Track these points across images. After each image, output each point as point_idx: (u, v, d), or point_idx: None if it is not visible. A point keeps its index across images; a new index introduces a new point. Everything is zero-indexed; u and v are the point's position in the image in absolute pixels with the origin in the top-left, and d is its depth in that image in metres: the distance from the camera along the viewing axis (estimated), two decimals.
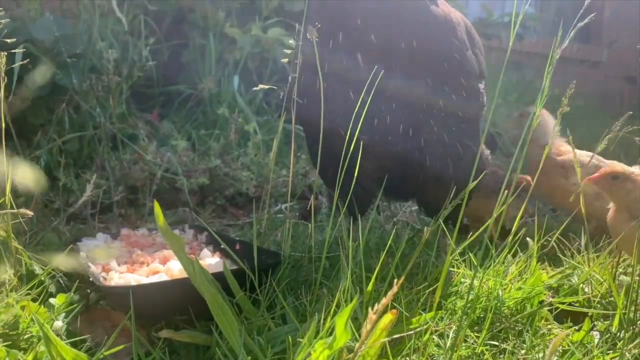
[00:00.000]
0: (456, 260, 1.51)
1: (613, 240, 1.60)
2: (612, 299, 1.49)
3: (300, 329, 1.16)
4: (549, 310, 1.44)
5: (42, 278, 1.38)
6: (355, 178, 1.30)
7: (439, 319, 1.29)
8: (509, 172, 1.32)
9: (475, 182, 1.18)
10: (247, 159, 2.66)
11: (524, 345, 1.30)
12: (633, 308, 1.30)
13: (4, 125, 1.43)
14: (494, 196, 1.39)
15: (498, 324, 1.37)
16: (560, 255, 1.74)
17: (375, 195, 1.49)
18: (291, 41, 1.43)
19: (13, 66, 1.41)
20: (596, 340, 1.30)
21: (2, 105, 1.42)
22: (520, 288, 1.45)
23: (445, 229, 1.38)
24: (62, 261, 1.40)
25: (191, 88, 3.07)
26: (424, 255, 1.59)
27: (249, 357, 1.10)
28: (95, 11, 2.71)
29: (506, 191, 1.21)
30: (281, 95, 1.44)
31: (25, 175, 1.44)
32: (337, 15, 1.37)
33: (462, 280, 1.51)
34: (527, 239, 1.67)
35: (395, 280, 1.03)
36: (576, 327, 1.40)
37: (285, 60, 1.42)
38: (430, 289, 1.35)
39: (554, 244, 1.76)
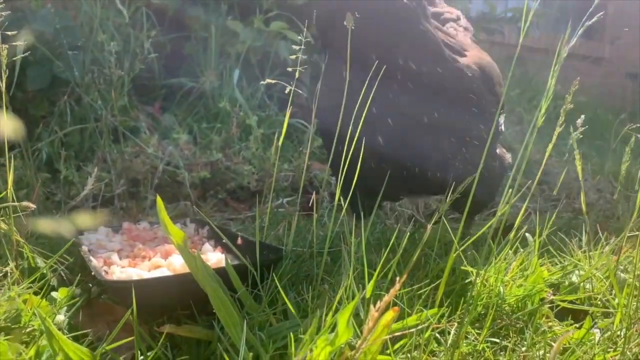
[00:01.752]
0: (458, 256, 1.51)
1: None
2: (612, 296, 1.49)
3: (302, 325, 1.17)
4: (550, 307, 1.45)
5: (44, 271, 1.39)
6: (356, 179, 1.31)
7: (440, 316, 1.30)
8: (514, 167, 1.32)
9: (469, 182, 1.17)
10: (248, 152, 2.66)
11: (525, 342, 1.30)
12: (634, 306, 1.30)
13: (5, 116, 1.43)
14: None
15: (499, 321, 1.37)
16: (561, 253, 1.74)
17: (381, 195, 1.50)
18: (299, 38, 1.42)
19: (14, 59, 1.40)
20: (597, 338, 1.30)
21: (4, 98, 1.42)
22: (521, 285, 1.45)
23: (447, 225, 1.38)
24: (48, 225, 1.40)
25: (193, 81, 3.06)
26: (425, 251, 1.59)
27: (251, 353, 1.10)
28: (96, 3, 2.70)
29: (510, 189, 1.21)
30: (287, 90, 1.44)
31: (3, 124, 1.42)
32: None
33: (464, 276, 1.51)
34: (527, 234, 1.67)
35: (398, 278, 1.03)
36: (577, 325, 1.40)
37: (293, 57, 1.41)
38: (432, 285, 1.35)
39: (555, 240, 1.77)
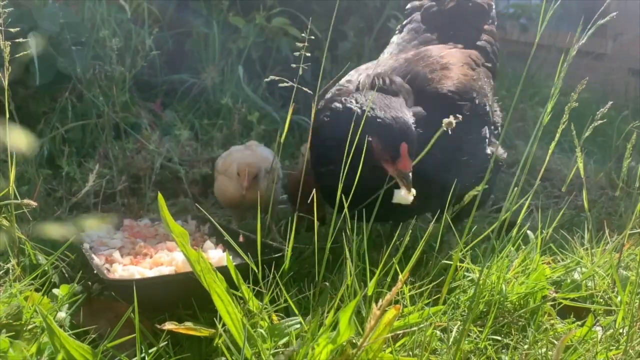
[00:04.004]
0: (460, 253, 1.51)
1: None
2: (615, 294, 1.49)
3: (304, 323, 1.16)
4: (552, 305, 1.44)
5: (45, 268, 1.38)
6: None
7: (442, 314, 1.29)
8: (520, 165, 1.31)
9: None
10: None
11: (527, 340, 1.30)
12: (637, 304, 1.30)
13: (7, 113, 1.42)
14: None
15: (501, 318, 1.37)
16: (563, 250, 1.73)
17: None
18: (302, 35, 1.43)
19: (17, 55, 1.40)
20: (599, 336, 1.30)
21: (7, 93, 1.41)
22: (523, 283, 1.45)
23: (452, 224, 1.37)
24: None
25: (194, 77, 3.05)
26: (427, 249, 1.58)
27: (252, 350, 1.10)
28: None
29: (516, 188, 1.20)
30: (291, 85, 1.44)
31: (18, 139, 1.45)
32: None
33: (466, 274, 1.51)
34: (529, 232, 1.67)
35: (399, 276, 1.03)
36: (579, 323, 1.40)
37: (296, 54, 1.42)
38: (434, 283, 1.35)
39: (557, 237, 1.76)
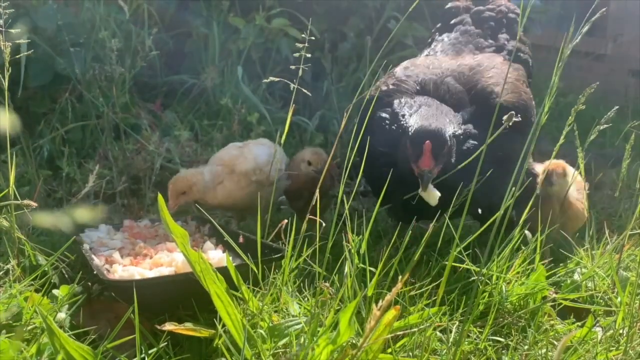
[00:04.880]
0: (460, 254, 1.51)
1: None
2: (615, 294, 1.49)
3: (304, 323, 1.16)
4: (551, 306, 1.44)
5: (45, 269, 1.38)
6: None
7: (442, 315, 1.29)
8: (518, 165, 1.31)
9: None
10: None
11: (527, 341, 1.30)
12: (637, 304, 1.30)
13: (8, 114, 1.42)
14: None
15: (501, 319, 1.37)
16: (564, 251, 1.73)
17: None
18: (302, 35, 1.43)
19: (18, 56, 1.40)
20: (599, 337, 1.30)
21: (7, 95, 1.42)
22: (523, 283, 1.45)
23: (450, 224, 1.37)
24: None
25: (194, 78, 3.05)
26: (427, 250, 1.58)
27: (252, 351, 1.10)
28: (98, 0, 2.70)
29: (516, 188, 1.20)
30: (291, 87, 1.44)
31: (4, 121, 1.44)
32: None
33: (466, 274, 1.51)
34: (527, 232, 1.67)
35: (400, 277, 1.03)
36: (579, 324, 1.40)
37: (296, 55, 1.42)
38: (434, 284, 1.35)
39: (557, 237, 1.76)
